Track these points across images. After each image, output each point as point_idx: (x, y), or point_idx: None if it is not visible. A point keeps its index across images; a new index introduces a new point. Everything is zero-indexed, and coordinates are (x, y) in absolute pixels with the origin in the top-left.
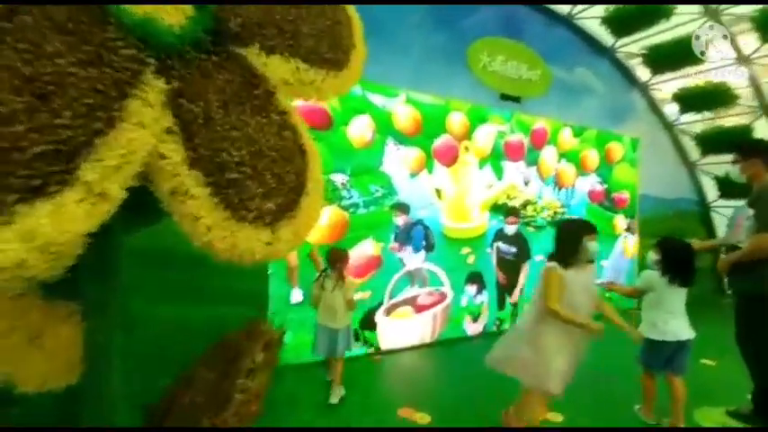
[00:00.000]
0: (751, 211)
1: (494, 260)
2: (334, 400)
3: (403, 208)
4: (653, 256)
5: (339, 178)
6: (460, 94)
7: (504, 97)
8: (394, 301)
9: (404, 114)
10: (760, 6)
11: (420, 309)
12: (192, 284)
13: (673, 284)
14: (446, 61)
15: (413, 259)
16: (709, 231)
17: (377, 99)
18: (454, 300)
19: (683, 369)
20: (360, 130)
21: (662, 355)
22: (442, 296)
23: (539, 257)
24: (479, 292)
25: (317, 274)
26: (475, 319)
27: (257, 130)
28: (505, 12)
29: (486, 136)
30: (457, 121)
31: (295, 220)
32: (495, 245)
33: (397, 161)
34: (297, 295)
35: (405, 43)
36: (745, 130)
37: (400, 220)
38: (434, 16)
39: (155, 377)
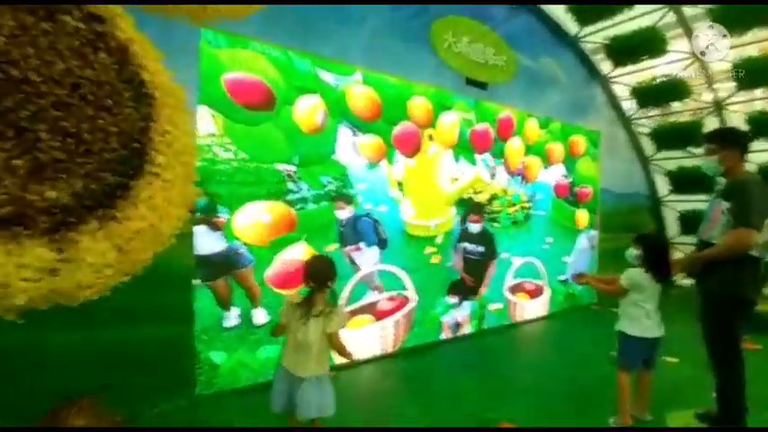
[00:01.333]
0: (726, 204)
1: (459, 263)
2: None
3: (347, 199)
4: (633, 251)
5: (284, 168)
6: (421, 76)
7: (470, 82)
8: (351, 308)
9: (360, 96)
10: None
11: (381, 315)
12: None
13: (653, 281)
14: (405, 39)
15: (365, 258)
16: (660, 225)
17: (328, 77)
18: (420, 304)
19: (656, 365)
20: (309, 111)
21: (641, 353)
22: (405, 300)
23: (504, 255)
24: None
25: (296, 298)
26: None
27: (22, 35)
28: None
29: (451, 124)
30: (419, 106)
31: (119, 224)
32: (461, 245)
33: (353, 149)
34: (232, 319)
35: (360, 16)
36: (697, 126)
37: (344, 213)
38: None
39: None
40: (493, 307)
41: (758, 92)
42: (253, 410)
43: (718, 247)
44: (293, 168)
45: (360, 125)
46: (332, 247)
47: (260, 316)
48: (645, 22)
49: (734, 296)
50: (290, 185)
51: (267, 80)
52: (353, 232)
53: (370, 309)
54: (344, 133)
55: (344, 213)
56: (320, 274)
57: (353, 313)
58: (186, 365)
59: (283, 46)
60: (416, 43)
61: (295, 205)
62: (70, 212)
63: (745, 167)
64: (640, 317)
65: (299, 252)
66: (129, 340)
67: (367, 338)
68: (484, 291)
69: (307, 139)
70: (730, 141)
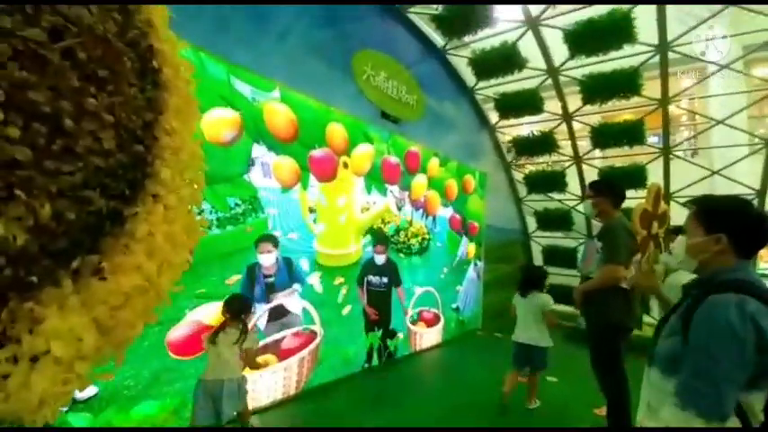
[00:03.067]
0: (599, 244)
1: (364, 297)
2: None
3: (274, 241)
4: None
5: None
6: (339, 101)
7: (385, 116)
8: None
9: (278, 114)
10: (588, 71)
11: (285, 354)
12: None
13: (520, 297)
14: (326, 63)
15: (295, 300)
16: (528, 257)
17: (245, 89)
18: (326, 338)
19: (539, 367)
20: (220, 124)
21: (518, 354)
22: (312, 335)
23: (407, 285)
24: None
25: (216, 328)
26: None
27: None
28: (389, 30)
29: (365, 153)
30: (337, 132)
31: (103, 283)
32: (366, 278)
33: (266, 170)
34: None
35: (282, 30)
36: (561, 175)
37: (271, 257)
38: (319, 9)
39: None
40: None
41: (597, 152)
42: None
43: (593, 281)
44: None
45: (275, 145)
46: (233, 279)
47: None
48: (528, 84)
49: (609, 324)
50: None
51: None
52: (288, 276)
53: (274, 348)
54: (258, 152)
55: (271, 258)
56: (234, 310)
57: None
58: None
59: (194, 45)
60: (337, 68)
61: None
62: (28, 265)
63: (616, 213)
64: (516, 325)
65: (210, 312)
66: None
67: (270, 381)
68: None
69: (214, 155)
70: (602, 191)
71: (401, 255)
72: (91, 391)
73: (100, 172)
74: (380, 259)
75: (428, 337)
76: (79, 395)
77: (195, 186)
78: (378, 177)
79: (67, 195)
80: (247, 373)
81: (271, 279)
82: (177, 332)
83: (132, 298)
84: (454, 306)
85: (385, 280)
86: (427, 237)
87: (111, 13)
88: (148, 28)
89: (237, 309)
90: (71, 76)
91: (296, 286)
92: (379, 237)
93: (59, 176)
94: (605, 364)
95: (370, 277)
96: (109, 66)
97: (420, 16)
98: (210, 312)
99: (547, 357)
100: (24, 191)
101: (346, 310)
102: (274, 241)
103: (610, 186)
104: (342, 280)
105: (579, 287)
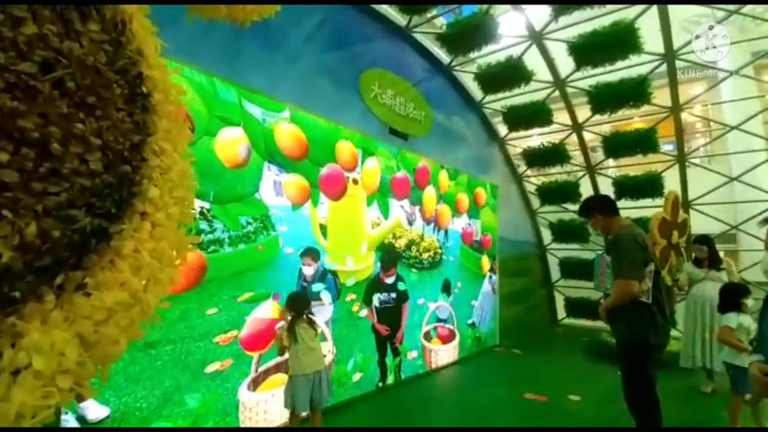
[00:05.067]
0: (608, 258)
1: (373, 317)
2: None
3: (315, 255)
4: None
5: (198, 205)
6: (348, 120)
7: (393, 132)
8: (263, 368)
9: (287, 134)
10: (595, 81)
11: None
12: None
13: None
14: (334, 83)
15: (324, 314)
16: (545, 269)
17: (255, 110)
18: (340, 357)
19: (734, 387)
20: (231, 145)
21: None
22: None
23: (420, 300)
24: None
25: (288, 323)
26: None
27: None
28: (395, 49)
29: (374, 169)
30: (346, 149)
31: (87, 299)
32: (373, 297)
33: (277, 189)
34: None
35: (293, 53)
36: (574, 186)
37: (311, 269)
38: (328, 32)
39: None
40: (410, 355)
41: (610, 161)
42: None
43: (610, 298)
44: (207, 205)
45: (286, 164)
46: (245, 297)
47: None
48: (536, 96)
49: (635, 342)
50: (203, 225)
51: (188, 107)
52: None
53: (286, 366)
54: (269, 171)
55: (310, 270)
56: (301, 307)
57: (266, 374)
58: None
59: (207, 71)
60: (345, 88)
61: (206, 248)
62: (12, 281)
63: (620, 223)
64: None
65: (269, 310)
66: None
67: (281, 401)
68: (400, 337)
69: (226, 175)
70: (589, 211)
71: (413, 270)
72: (103, 412)
73: (86, 191)
74: (390, 279)
75: (443, 354)
76: (91, 417)
77: (186, 204)
78: (387, 193)
79: (53, 214)
80: (259, 392)
81: (306, 285)
82: (244, 332)
83: (116, 313)
84: (470, 321)
85: (394, 295)
86: (439, 251)
87: (102, 45)
88: (138, 57)
89: (301, 305)
90: (60, 103)
91: (324, 300)
92: (390, 258)
93: (46, 197)
94: (633, 384)
95: (378, 295)
96: (97, 93)
97: (425, 35)
98: (267, 309)
99: (741, 378)
100: (11, 211)
101: (360, 326)
102: (314, 255)
103: (591, 204)
104: (353, 296)
105: (602, 305)
